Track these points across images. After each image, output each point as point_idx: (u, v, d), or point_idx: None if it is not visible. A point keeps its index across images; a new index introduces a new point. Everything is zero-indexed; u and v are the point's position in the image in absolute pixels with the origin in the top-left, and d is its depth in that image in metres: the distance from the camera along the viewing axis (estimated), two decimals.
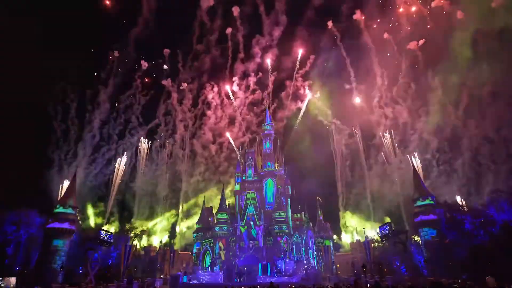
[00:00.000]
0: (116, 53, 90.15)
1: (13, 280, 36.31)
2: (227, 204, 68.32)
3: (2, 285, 34.20)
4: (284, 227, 61.48)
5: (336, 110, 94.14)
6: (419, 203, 51.08)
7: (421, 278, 41.89)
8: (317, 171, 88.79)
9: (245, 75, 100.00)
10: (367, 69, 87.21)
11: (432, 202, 50.71)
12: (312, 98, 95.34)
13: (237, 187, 71.97)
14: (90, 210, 72.12)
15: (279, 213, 62.65)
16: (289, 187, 74.69)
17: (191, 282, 51.70)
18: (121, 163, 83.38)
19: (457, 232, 45.96)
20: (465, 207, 51.92)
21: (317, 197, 74.86)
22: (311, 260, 61.16)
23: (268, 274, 54.46)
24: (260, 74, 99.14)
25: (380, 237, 53.97)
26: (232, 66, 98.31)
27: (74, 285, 41.35)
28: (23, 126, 74.35)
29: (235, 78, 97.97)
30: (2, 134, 66.94)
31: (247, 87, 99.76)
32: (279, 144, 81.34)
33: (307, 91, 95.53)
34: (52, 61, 73.05)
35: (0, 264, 44.45)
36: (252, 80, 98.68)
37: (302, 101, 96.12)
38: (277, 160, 76.46)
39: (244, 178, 72.60)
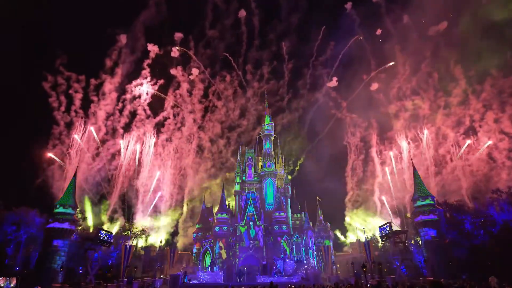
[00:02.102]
0: (123, 39, 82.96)
1: (13, 280, 36.25)
2: (227, 204, 68.35)
3: (2, 285, 34.14)
4: (284, 227, 61.52)
5: (353, 101, 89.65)
6: (419, 203, 51.11)
7: (421, 278, 41.95)
8: (327, 166, 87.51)
9: (259, 63, 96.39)
10: (386, 57, 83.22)
11: (432, 202, 50.72)
12: (329, 88, 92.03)
13: (237, 187, 71.95)
14: (90, 209, 71.39)
15: (279, 213, 62.69)
16: (289, 187, 74.69)
17: (191, 282, 51.69)
18: (126, 158, 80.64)
19: (457, 232, 46.01)
20: (470, 206, 51.54)
21: (317, 197, 74.85)
22: (311, 260, 61.20)
23: (268, 274, 54.56)
24: (275, 63, 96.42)
25: (380, 237, 53.96)
26: (246, 53, 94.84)
27: (74, 285, 41.39)
28: (22, 121, 73.74)
29: (249, 66, 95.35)
30: (2, 132, 66.54)
31: (261, 76, 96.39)
32: (279, 144, 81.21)
33: (324, 80, 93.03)
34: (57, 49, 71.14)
35: (0, 264, 44.48)
36: (266, 69, 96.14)
37: (318, 90, 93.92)
38: (277, 159, 76.44)
39: (244, 178, 72.67)
